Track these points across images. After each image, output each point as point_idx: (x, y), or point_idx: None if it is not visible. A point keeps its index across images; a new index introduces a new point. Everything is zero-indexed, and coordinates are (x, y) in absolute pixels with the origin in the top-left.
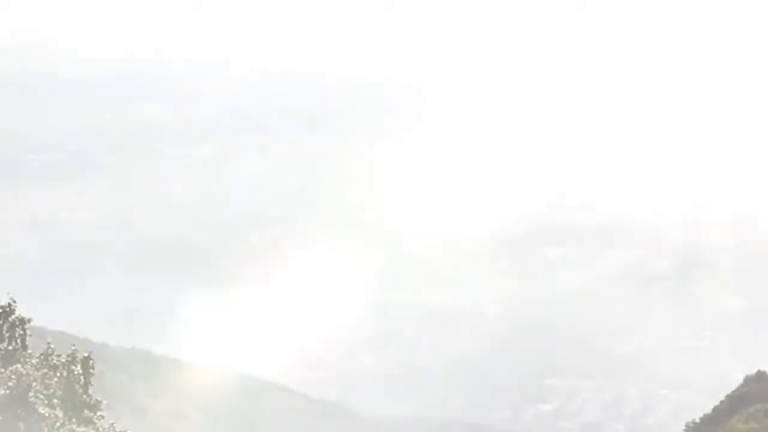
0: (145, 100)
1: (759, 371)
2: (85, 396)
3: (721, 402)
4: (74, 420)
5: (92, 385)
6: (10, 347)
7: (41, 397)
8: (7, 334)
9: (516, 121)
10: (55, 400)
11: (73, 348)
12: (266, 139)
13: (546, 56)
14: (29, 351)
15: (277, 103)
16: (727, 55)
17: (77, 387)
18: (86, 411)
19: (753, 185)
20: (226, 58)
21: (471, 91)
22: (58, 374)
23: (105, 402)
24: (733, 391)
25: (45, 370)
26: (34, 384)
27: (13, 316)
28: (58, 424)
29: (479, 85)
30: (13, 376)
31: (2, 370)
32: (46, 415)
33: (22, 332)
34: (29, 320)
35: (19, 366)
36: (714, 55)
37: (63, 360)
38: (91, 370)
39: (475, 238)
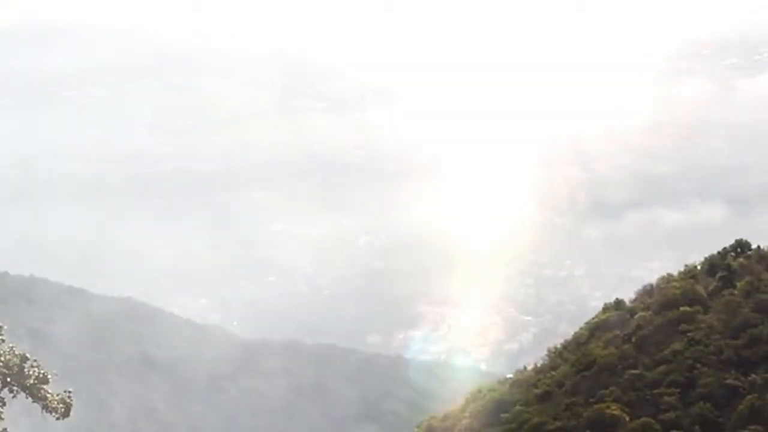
0: (45, 49)
1: (617, 299)
2: None
3: (581, 328)
4: None
5: None
6: None
7: None
8: None
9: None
10: None
11: None
12: (154, 83)
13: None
14: None
15: (166, 51)
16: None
17: None
18: None
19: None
20: (122, 8)
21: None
22: None
23: (5, 327)
24: (592, 318)
25: None
26: None
27: None
28: None
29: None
30: None
31: None
32: None
33: None
34: None
35: None
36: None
37: None
38: None
39: (344, 173)
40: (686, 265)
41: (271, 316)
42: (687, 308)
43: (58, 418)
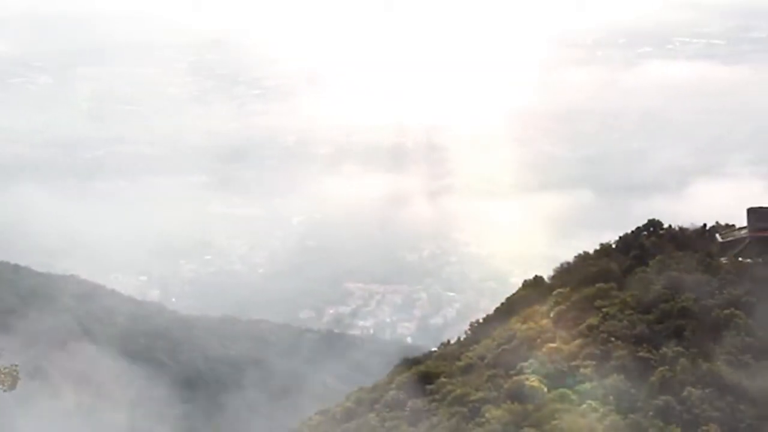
0: None
1: (536, 276)
2: None
3: (502, 304)
4: None
5: None
6: None
7: None
8: None
9: None
10: None
11: None
12: (97, 70)
13: None
14: None
15: (109, 39)
16: None
17: None
18: None
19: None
20: None
21: None
22: None
23: None
24: (512, 294)
25: None
26: None
27: None
28: None
29: None
30: None
31: None
32: None
33: None
34: None
35: None
36: None
37: None
38: None
39: (278, 157)
40: (601, 244)
41: (208, 293)
42: (602, 285)
43: (5, 390)
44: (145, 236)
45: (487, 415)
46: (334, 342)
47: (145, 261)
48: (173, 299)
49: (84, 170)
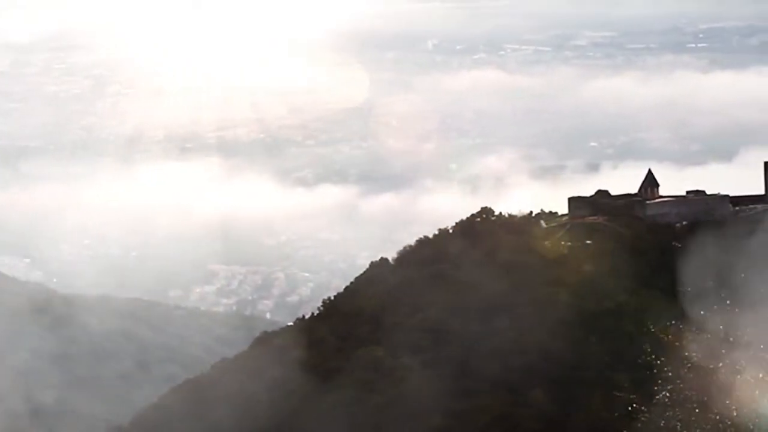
0: None
1: (382, 258)
2: None
3: (352, 283)
4: None
5: None
6: None
7: None
8: None
9: None
10: None
11: None
12: None
13: None
14: None
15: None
16: None
17: None
18: None
19: None
20: None
21: None
22: None
23: None
24: (361, 274)
25: None
26: None
27: None
28: None
29: None
30: None
31: None
32: None
33: None
34: None
35: None
36: None
37: None
38: None
39: (149, 150)
40: (440, 229)
41: (86, 275)
42: (440, 266)
43: None
44: (28, 222)
45: (338, 382)
46: (200, 318)
47: (28, 245)
48: (54, 279)
49: None
